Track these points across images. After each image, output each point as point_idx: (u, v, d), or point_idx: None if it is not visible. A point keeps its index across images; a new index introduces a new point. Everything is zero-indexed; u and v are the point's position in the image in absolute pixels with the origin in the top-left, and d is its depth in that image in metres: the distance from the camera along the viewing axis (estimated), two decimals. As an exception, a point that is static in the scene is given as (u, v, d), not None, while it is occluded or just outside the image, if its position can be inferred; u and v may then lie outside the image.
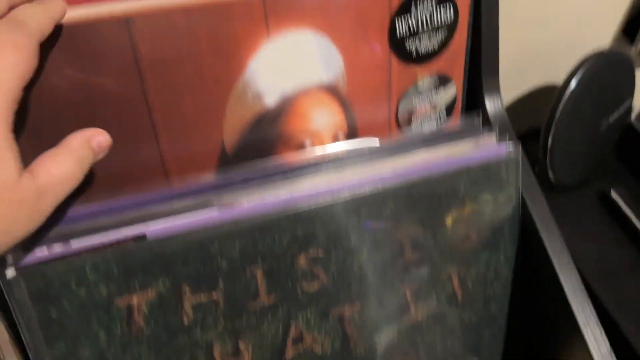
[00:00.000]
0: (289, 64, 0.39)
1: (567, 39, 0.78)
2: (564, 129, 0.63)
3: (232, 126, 0.39)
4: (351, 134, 0.43)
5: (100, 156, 0.34)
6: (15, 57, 0.28)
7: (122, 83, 0.35)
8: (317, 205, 0.38)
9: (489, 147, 0.41)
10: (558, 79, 0.81)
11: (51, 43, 0.33)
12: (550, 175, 0.65)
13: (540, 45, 0.78)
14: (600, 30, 0.79)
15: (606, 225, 0.64)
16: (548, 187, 0.62)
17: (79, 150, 0.32)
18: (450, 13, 0.40)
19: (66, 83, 0.34)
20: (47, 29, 0.31)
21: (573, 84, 0.62)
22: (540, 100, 0.83)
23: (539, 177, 0.54)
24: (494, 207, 0.42)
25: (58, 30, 0.33)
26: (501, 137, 0.41)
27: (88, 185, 0.37)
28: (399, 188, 0.39)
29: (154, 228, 0.35)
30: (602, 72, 0.63)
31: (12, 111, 0.28)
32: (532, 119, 0.79)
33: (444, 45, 0.41)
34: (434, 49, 0.41)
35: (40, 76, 0.33)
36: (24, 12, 0.30)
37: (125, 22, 0.34)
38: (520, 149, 0.41)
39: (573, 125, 0.64)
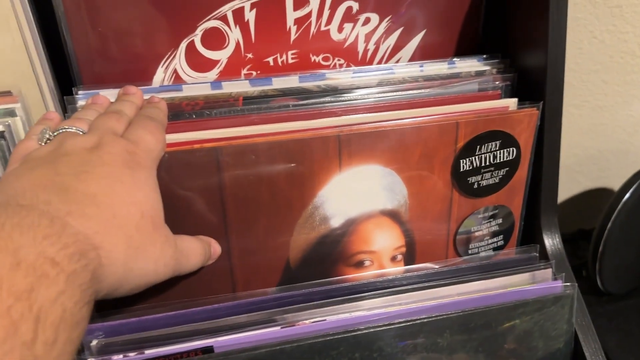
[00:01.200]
0: (356, 193, 0.41)
1: (621, 147, 0.79)
2: (615, 238, 0.63)
3: (298, 244, 0.42)
4: (409, 255, 0.45)
5: (210, 262, 0.40)
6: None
7: (205, 201, 0.39)
8: (375, 329, 0.39)
9: (546, 282, 0.42)
10: (610, 184, 0.82)
11: None
12: (599, 283, 0.64)
13: (594, 152, 0.79)
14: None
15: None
16: (595, 293, 0.61)
17: (205, 244, 0.39)
18: (512, 153, 0.42)
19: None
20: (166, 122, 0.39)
21: (627, 195, 0.63)
22: (591, 203, 0.83)
23: (586, 282, 0.53)
24: (548, 341, 0.43)
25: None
26: (557, 273, 0.42)
27: (164, 290, 0.40)
28: (456, 317, 0.40)
29: (221, 341, 0.38)
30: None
31: None
32: (582, 220, 0.79)
33: (504, 180, 0.43)
34: (495, 184, 0.43)
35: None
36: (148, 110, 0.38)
37: (214, 150, 0.38)
38: (576, 287, 0.42)
39: (624, 236, 0.64)
